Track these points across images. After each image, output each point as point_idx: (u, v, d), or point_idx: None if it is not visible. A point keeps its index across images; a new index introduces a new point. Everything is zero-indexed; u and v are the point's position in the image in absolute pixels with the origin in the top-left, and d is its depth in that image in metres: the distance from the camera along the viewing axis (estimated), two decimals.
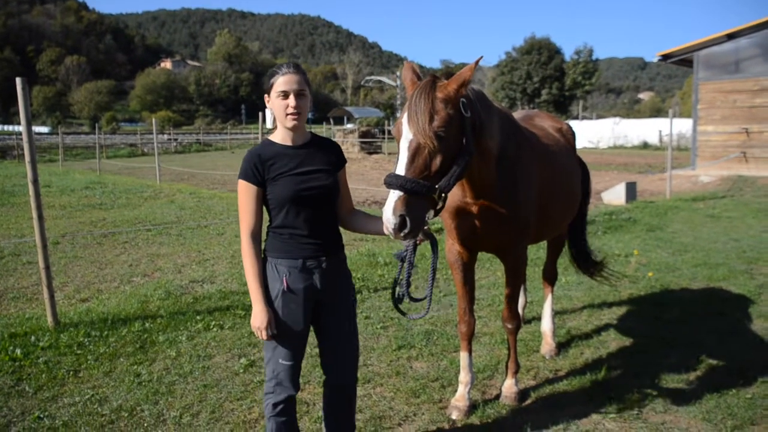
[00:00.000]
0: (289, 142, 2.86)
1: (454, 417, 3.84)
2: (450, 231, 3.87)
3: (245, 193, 2.79)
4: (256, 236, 2.79)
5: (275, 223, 2.85)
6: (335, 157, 2.97)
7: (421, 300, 3.24)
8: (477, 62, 2.87)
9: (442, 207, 2.89)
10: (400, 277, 3.04)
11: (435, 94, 2.79)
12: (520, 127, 3.89)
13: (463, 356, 4.02)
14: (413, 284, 3.10)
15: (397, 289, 3.07)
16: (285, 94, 2.75)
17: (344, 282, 3.01)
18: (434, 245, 3.04)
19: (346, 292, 3.01)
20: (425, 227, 2.83)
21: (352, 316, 3.04)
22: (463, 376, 3.99)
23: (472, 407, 3.94)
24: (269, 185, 2.78)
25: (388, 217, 2.66)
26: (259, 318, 2.76)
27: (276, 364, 2.88)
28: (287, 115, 2.77)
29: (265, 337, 2.78)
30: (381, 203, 14.00)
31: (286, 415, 2.94)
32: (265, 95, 2.85)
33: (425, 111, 2.73)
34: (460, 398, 3.94)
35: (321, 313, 2.96)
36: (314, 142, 2.94)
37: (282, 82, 2.75)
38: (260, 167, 2.77)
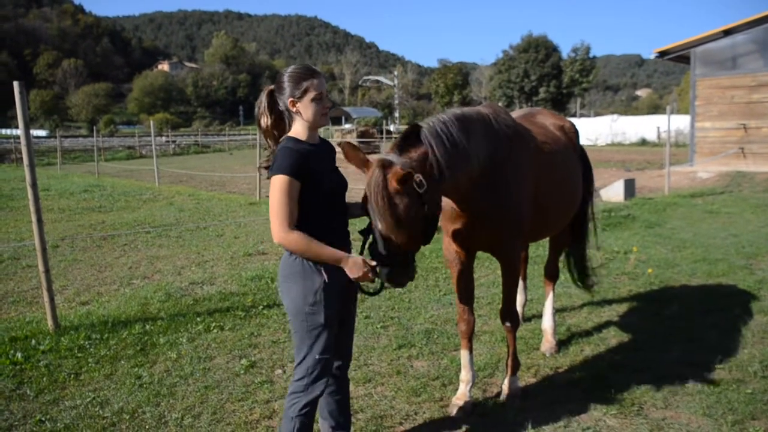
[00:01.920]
0: (313, 141, 2.95)
1: (455, 415, 3.84)
2: (446, 231, 3.94)
3: (291, 188, 2.75)
4: (293, 228, 2.78)
5: (309, 219, 2.86)
6: (334, 156, 3.12)
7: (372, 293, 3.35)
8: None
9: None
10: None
11: (388, 192, 2.87)
12: (514, 127, 3.88)
13: (464, 354, 4.03)
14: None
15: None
16: (321, 96, 2.86)
17: None
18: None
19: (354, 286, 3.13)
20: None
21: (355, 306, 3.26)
22: (464, 375, 4.00)
23: (474, 405, 3.95)
24: (311, 182, 2.81)
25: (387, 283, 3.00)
26: (357, 265, 2.81)
27: (312, 360, 2.91)
28: (323, 115, 2.90)
29: (371, 278, 2.85)
30: None
31: (312, 414, 2.98)
32: (290, 99, 2.87)
33: (386, 208, 2.84)
34: (461, 396, 3.94)
35: (345, 301, 3.05)
36: (323, 142, 3.06)
37: (318, 85, 2.86)
38: (304, 164, 2.80)
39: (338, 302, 2.95)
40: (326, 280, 2.86)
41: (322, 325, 2.88)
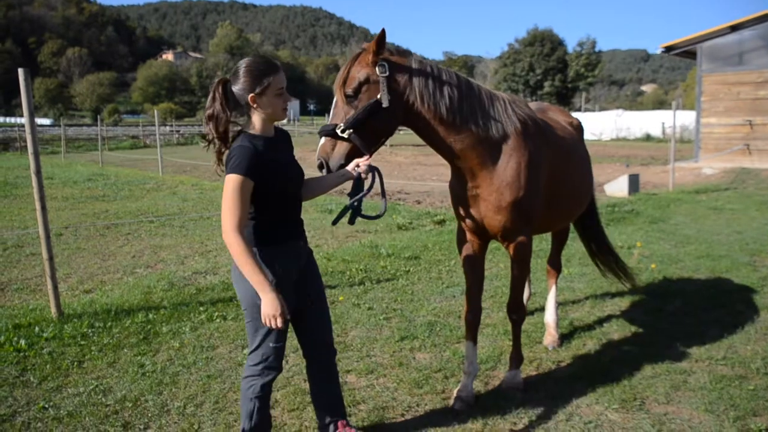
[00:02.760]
0: (269, 135, 2.93)
1: (457, 407, 3.85)
2: (458, 216, 3.93)
3: (243, 188, 2.73)
4: (243, 231, 2.76)
5: (262, 213, 2.88)
6: (291, 145, 3.16)
7: (374, 217, 3.50)
8: (382, 34, 3.24)
9: (365, 148, 3.31)
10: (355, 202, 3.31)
11: (353, 64, 3.36)
12: (532, 115, 3.87)
13: (468, 346, 4.02)
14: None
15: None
16: (282, 91, 2.86)
17: (312, 260, 3.24)
18: (379, 175, 3.37)
19: (315, 269, 3.25)
20: (366, 163, 3.23)
21: (323, 288, 3.29)
22: (467, 366, 3.99)
23: (475, 398, 3.95)
24: (265, 177, 2.79)
25: (317, 156, 3.35)
26: (273, 306, 2.72)
27: (266, 348, 2.98)
28: (284, 109, 2.91)
29: (280, 325, 2.74)
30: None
31: (268, 396, 3.10)
32: (251, 94, 2.79)
33: (341, 76, 3.35)
34: (463, 389, 3.94)
35: (304, 284, 3.12)
36: (279, 133, 3.05)
37: (281, 80, 2.84)
38: (257, 162, 2.77)
39: (291, 296, 2.98)
40: (279, 274, 2.90)
41: None
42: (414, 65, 3.42)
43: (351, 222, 3.33)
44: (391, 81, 3.33)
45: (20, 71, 5.26)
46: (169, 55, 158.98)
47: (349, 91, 3.30)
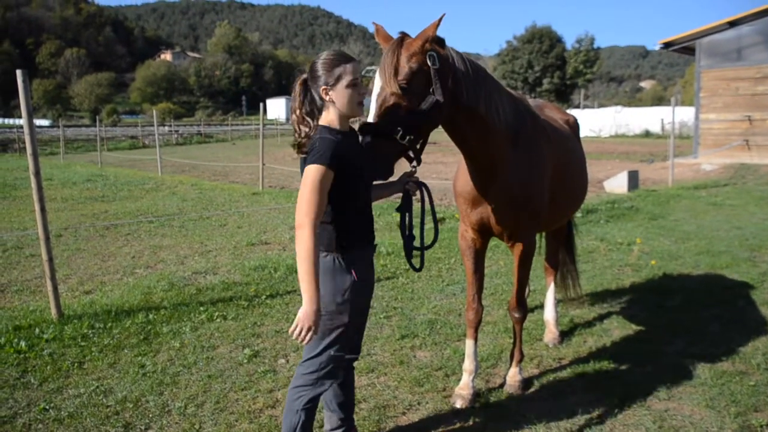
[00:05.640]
0: (347, 129, 2.84)
1: (458, 405, 3.85)
2: (464, 216, 3.89)
3: (324, 179, 2.60)
4: (317, 227, 2.61)
5: (341, 214, 2.78)
6: (361, 146, 2.96)
7: (427, 248, 3.41)
8: (440, 19, 2.98)
9: (417, 154, 3.12)
10: (407, 231, 3.25)
11: (400, 51, 2.95)
12: (536, 114, 3.87)
13: (469, 344, 4.02)
14: (417, 236, 3.33)
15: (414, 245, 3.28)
16: (356, 83, 2.73)
17: None
18: (427, 191, 3.25)
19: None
20: (413, 176, 3.11)
21: None
22: (468, 364, 3.99)
23: (476, 396, 3.95)
24: (346, 174, 2.70)
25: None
26: (312, 319, 2.53)
27: (327, 356, 2.85)
28: (359, 103, 2.78)
29: (307, 340, 2.57)
30: None
31: (314, 408, 2.95)
32: (323, 86, 2.73)
33: (392, 64, 2.90)
34: (464, 387, 3.94)
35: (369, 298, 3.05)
36: (352, 131, 2.92)
37: (353, 70, 2.73)
38: (339, 154, 2.67)
39: (365, 300, 2.94)
40: (355, 280, 2.81)
41: (345, 324, 2.83)
42: (455, 57, 3.17)
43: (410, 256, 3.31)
44: (441, 74, 3.02)
45: (18, 72, 5.25)
46: (167, 55, 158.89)
47: (404, 83, 2.89)
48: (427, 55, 2.97)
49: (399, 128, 2.88)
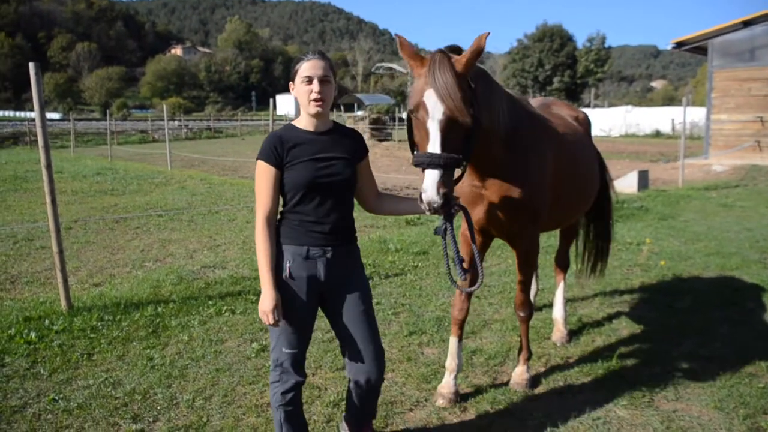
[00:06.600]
0: (311, 128, 2.84)
1: (439, 404, 3.83)
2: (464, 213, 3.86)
3: (263, 174, 2.77)
4: (270, 219, 2.78)
5: (287, 208, 2.84)
6: (357, 147, 2.94)
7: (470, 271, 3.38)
8: (486, 36, 2.89)
9: (460, 177, 3.10)
10: (449, 251, 3.15)
11: (455, 71, 2.80)
12: (535, 113, 3.85)
13: (452, 342, 4.00)
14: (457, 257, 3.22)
15: (451, 265, 3.18)
16: (309, 80, 2.73)
17: (354, 274, 2.97)
18: (466, 214, 3.17)
19: (355, 285, 2.96)
20: (457, 199, 2.97)
21: (366, 309, 3.01)
22: (449, 362, 3.96)
23: (457, 395, 3.91)
24: (287, 169, 2.76)
25: (432, 197, 2.70)
26: (265, 302, 2.75)
27: (279, 352, 2.88)
28: (311, 100, 2.74)
29: (270, 322, 2.74)
30: (391, 189, 14.00)
31: (294, 404, 2.93)
32: (290, 82, 2.84)
33: (454, 87, 2.74)
34: (445, 385, 3.92)
35: (329, 306, 2.96)
36: (337, 131, 2.91)
37: (306, 67, 2.74)
38: (280, 149, 2.75)
39: (305, 301, 2.83)
40: (287, 275, 2.81)
41: (280, 320, 2.80)
42: (475, 72, 3.04)
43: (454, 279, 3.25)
44: (477, 94, 2.97)
45: (31, 65, 5.28)
46: (177, 50, 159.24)
47: (461, 105, 2.76)
48: (468, 79, 2.90)
49: (461, 156, 2.85)
